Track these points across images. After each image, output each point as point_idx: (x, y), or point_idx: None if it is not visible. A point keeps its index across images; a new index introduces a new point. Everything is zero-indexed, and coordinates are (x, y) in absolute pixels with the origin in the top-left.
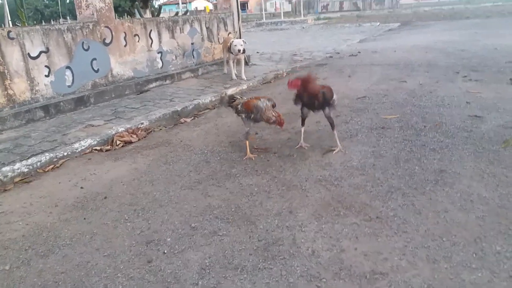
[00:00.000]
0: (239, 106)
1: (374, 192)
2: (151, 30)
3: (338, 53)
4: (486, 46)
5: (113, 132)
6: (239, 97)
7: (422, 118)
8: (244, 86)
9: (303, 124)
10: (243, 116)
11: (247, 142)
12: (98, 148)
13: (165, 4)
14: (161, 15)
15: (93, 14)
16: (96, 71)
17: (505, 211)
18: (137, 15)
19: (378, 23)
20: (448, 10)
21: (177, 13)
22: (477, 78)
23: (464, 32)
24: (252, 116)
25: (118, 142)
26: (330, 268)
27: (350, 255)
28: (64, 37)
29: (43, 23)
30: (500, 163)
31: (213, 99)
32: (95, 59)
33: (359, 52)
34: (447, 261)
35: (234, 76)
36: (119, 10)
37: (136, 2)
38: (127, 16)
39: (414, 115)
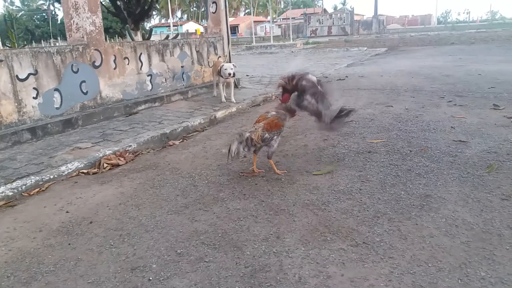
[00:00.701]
0: (266, 135)
1: (360, 217)
2: (141, 53)
3: (326, 77)
4: (470, 71)
5: (101, 155)
6: (247, 134)
7: (408, 142)
8: (234, 109)
9: None
10: (275, 137)
11: (271, 161)
12: (85, 171)
13: (156, 26)
14: (152, 38)
15: (83, 37)
16: (85, 94)
17: (489, 236)
18: (128, 38)
19: (366, 48)
20: (433, 35)
21: (167, 36)
22: (462, 103)
23: (449, 58)
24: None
25: (105, 165)
26: None
27: (337, 282)
28: (53, 60)
29: (33, 45)
30: (484, 188)
31: (202, 122)
32: (84, 81)
33: (346, 77)
34: None
35: (223, 99)
36: (110, 32)
37: (127, 25)
38: (118, 38)
39: (400, 140)
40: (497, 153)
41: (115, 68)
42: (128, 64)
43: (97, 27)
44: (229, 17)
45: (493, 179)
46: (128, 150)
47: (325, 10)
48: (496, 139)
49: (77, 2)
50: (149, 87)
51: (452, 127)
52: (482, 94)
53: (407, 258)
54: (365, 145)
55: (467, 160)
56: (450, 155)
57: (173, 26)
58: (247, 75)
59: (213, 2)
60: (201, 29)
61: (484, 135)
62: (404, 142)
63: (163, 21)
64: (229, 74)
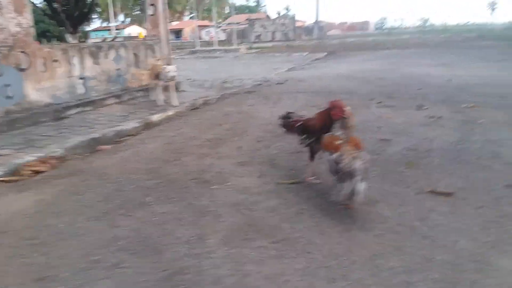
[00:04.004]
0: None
1: (285, 214)
2: (73, 56)
3: (267, 81)
4: (403, 75)
5: (22, 162)
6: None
7: None
8: (171, 112)
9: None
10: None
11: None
12: (5, 179)
13: (97, 30)
14: (91, 41)
15: (7, 38)
16: (10, 98)
17: (402, 228)
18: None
19: (307, 53)
20: (371, 41)
21: (105, 39)
22: (391, 104)
23: (384, 62)
24: None
25: (27, 172)
26: None
27: (253, 279)
28: None
29: None
30: (402, 183)
31: (137, 125)
32: (9, 85)
33: (286, 80)
34: (344, 279)
35: (161, 102)
36: (48, 35)
37: (64, 27)
38: (56, 41)
39: None
40: (417, 150)
41: (44, 71)
42: (58, 67)
43: (23, 28)
44: (174, 20)
45: (411, 174)
46: (53, 156)
47: (268, 16)
48: (417, 137)
49: (1, 1)
50: (82, 91)
51: (378, 126)
52: (411, 96)
53: (324, 252)
54: (296, 145)
55: (389, 157)
56: (374, 153)
57: (116, 29)
58: (188, 79)
59: (151, 4)
60: (144, 32)
61: (408, 134)
62: None
63: (105, 24)
64: (172, 76)
